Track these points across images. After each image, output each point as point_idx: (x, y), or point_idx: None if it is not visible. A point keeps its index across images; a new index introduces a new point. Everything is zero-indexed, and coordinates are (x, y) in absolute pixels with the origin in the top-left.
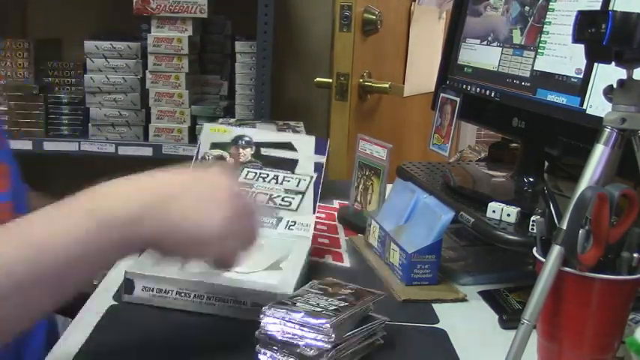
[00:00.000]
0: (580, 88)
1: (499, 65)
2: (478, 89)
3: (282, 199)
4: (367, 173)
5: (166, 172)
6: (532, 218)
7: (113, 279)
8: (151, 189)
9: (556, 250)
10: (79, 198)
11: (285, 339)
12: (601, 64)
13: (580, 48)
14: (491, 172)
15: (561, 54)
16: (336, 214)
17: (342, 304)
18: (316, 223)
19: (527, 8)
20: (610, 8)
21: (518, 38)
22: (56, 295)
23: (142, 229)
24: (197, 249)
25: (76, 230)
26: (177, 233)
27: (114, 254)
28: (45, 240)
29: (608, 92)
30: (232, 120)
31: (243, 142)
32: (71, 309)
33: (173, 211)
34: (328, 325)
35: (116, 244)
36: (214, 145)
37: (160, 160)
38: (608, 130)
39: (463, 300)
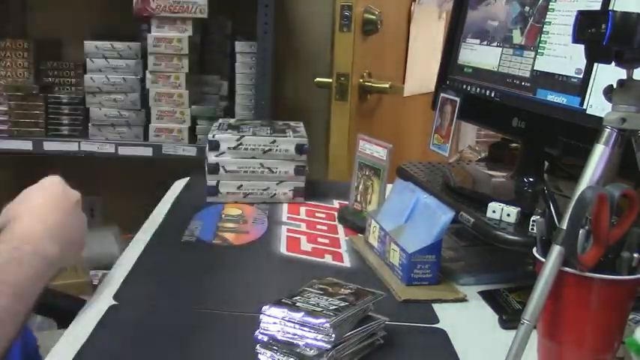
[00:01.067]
0: (580, 88)
1: (499, 65)
2: (478, 89)
3: None
4: (367, 173)
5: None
6: (532, 218)
7: (113, 278)
8: (57, 225)
9: (556, 250)
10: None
11: (285, 339)
12: (601, 64)
13: (580, 48)
14: (491, 172)
15: (561, 54)
16: (336, 214)
17: (342, 304)
18: (316, 223)
19: (527, 8)
20: (610, 8)
21: (518, 38)
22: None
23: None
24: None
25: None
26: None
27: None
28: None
29: (608, 92)
30: (232, 120)
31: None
32: (65, 316)
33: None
34: (328, 325)
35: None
36: None
37: (160, 160)
38: (608, 130)
39: (463, 300)
